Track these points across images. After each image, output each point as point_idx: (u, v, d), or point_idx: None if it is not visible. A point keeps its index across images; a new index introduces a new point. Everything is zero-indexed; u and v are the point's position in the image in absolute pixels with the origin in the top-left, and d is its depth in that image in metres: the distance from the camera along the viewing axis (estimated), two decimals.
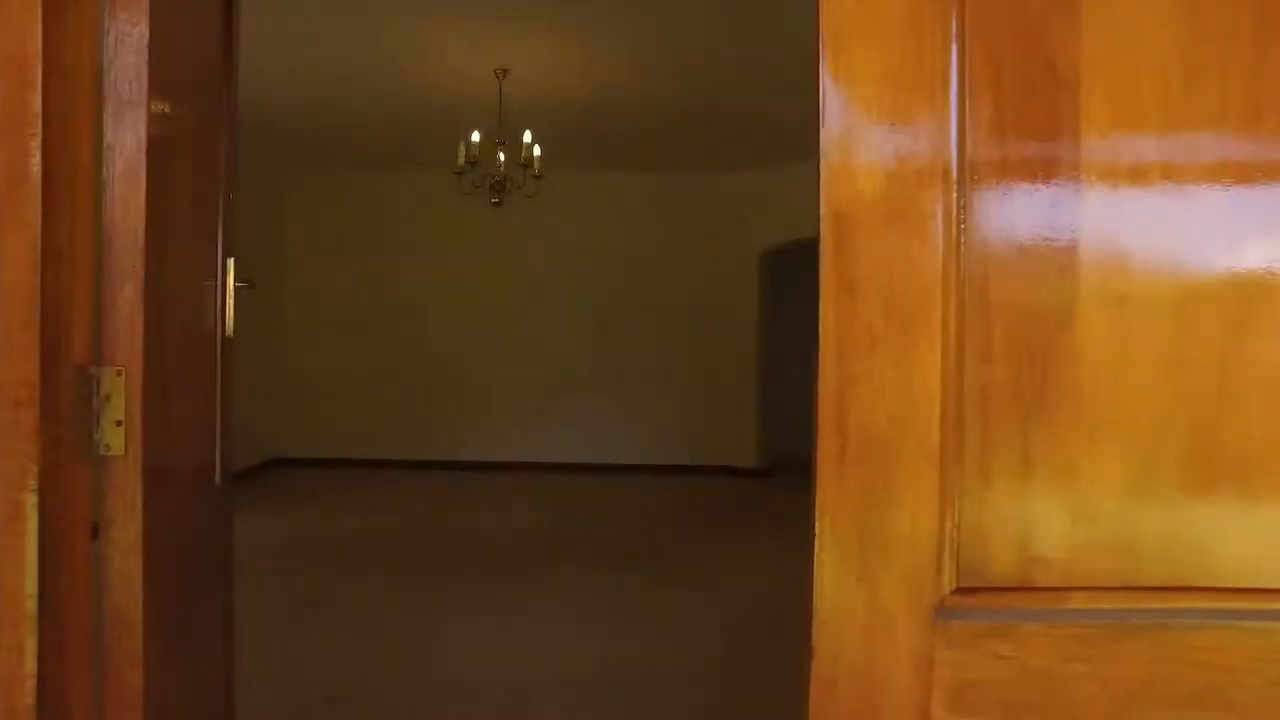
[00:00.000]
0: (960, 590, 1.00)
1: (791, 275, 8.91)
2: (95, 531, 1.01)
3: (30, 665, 0.92)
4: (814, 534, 1.01)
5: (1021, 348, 1.00)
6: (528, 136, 5.48)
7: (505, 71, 5.32)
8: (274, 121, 6.57)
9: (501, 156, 5.57)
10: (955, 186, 0.99)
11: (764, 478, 7.86)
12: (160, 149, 1.16)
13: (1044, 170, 0.99)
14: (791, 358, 9.26)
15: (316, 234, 8.21)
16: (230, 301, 1.83)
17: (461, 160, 5.34)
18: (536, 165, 5.46)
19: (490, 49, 5.03)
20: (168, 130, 1.21)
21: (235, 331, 1.94)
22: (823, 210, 1.00)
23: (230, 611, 1.90)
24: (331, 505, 6.51)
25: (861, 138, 0.99)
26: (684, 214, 8.07)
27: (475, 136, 5.35)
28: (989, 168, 1.00)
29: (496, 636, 3.62)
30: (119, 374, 1.01)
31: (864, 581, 1.00)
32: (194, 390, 1.57)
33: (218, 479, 1.78)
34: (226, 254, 1.83)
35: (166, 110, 1.18)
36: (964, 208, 0.99)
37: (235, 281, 1.90)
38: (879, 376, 1.00)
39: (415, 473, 7.86)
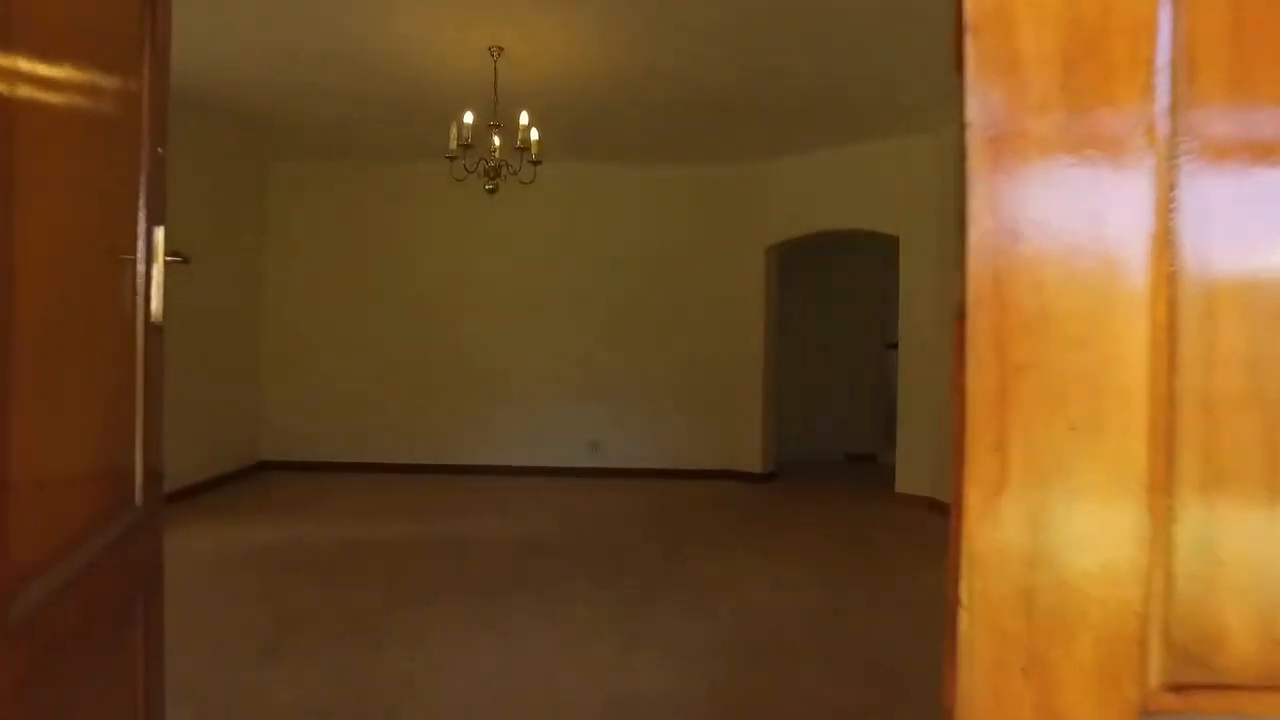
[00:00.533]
0: (1176, 686, 0.67)
1: (797, 273, 8.58)
2: None
3: None
4: (954, 602, 0.68)
5: (1261, 332, 0.67)
6: (524, 118, 5.12)
7: (500, 50, 4.97)
8: (259, 110, 6.21)
9: (496, 140, 5.21)
10: (1170, 91, 0.66)
11: (769, 481, 7.51)
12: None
13: None
14: (796, 358, 8.92)
15: (303, 228, 7.84)
16: (157, 279, 1.48)
17: (454, 144, 4.97)
18: (534, 150, 5.10)
19: (484, 24, 4.68)
20: (18, 66, 0.88)
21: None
22: (969, 113, 0.67)
23: (158, 653, 1.56)
24: (320, 512, 6.15)
25: (1030, 3, 0.66)
26: (687, 208, 7.73)
27: (468, 117, 4.99)
28: (1216, 63, 0.66)
29: (493, 660, 3.28)
30: None
31: (1033, 674, 0.67)
32: (92, 389, 1.22)
33: (138, 497, 1.44)
34: (153, 223, 1.48)
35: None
36: (1179, 128, 0.66)
37: (167, 256, 1.55)
38: (1057, 365, 0.66)
39: (410, 477, 7.50)
